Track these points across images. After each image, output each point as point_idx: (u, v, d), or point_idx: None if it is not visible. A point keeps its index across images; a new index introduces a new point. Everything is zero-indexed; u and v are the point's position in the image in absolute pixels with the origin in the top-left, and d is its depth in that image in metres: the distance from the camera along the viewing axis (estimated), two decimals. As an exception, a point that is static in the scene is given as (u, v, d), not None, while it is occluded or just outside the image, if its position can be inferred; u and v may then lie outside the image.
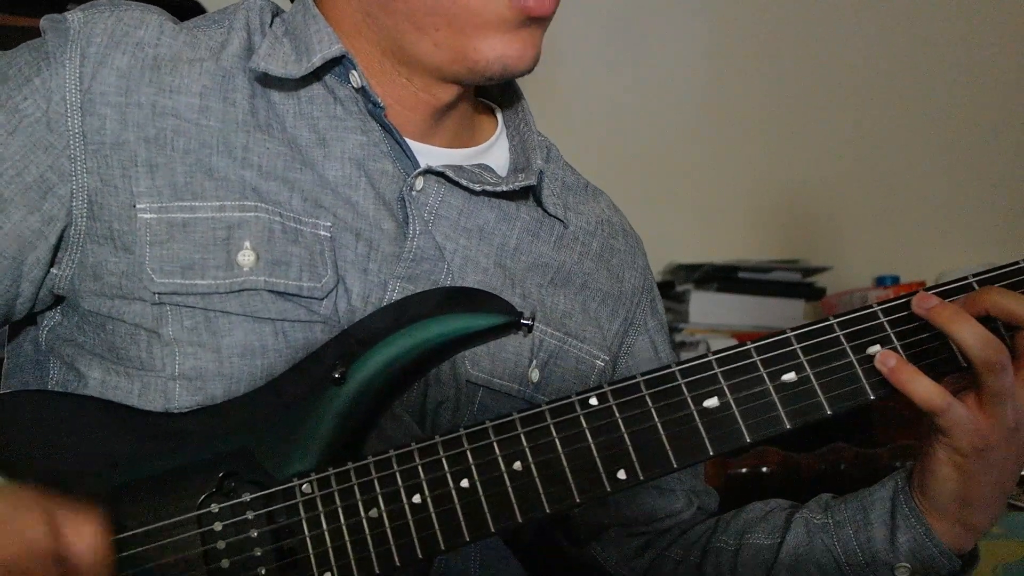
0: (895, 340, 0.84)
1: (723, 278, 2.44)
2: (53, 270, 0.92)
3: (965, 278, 0.85)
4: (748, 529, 1.05)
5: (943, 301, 0.83)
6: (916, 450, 1.35)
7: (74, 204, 0.90)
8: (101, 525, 0.72)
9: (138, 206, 0.89)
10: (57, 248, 0.91)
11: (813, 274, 2.52)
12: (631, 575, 1.12)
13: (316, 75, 0.96)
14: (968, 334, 0.81)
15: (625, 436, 0.81)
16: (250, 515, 0.81)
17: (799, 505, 1.05)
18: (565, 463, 0.81)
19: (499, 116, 1.09)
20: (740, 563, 1.03)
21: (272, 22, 0.99)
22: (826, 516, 0.99)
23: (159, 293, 0.89)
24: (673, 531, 1.11)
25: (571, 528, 1.14)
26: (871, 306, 0.84)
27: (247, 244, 0.90)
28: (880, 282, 2.59)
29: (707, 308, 2.41)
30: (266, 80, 0.94)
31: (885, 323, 0.84)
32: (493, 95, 1.10)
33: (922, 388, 0.82)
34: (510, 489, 0.81)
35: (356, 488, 0.81)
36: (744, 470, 1.48)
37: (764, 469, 1.48)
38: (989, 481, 0.87)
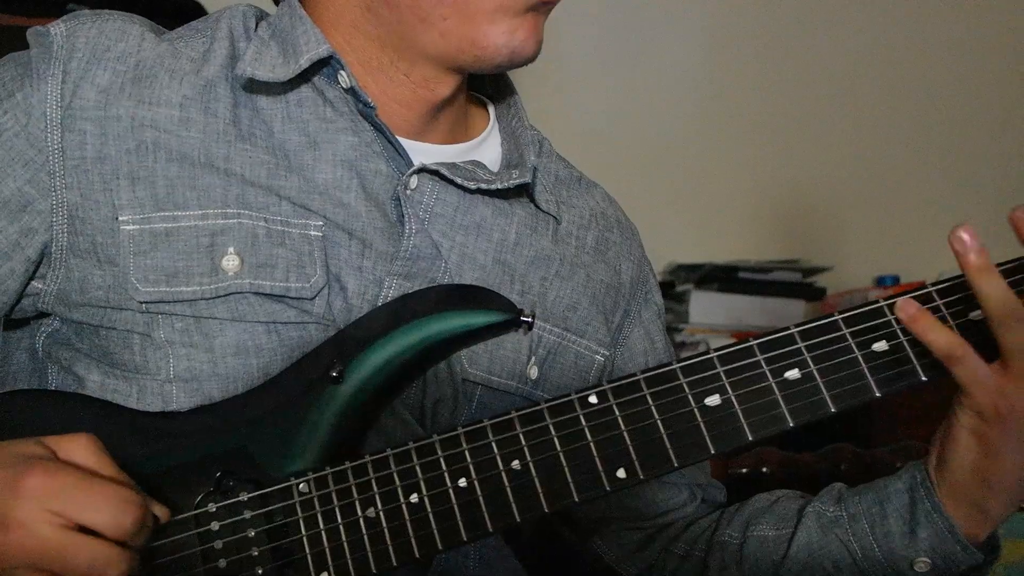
0: (901, 336, 0.83)
1: (723, 278, 2.44)
2: (38, 284, 0.92)
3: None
4: (753, 521, 1.04)
5: (981, 250, 0.83)
6: (917, 450, 1.35)
7: (54, 219, 0.90)
8: (89, 436, 0.76)
9: (120, 218, 0.89)
10: (39, 263, 0.91)
11: (813, 274, 2.52)
12: (633, 569, 1.12)
13: (304, 77, 0.95)
14: (992, 287, 0.81)
15: (625, 434, 0.81)
16: (247, 514, 0.80)
17: (808, 496, 1.04)
18: (564, 462, 0.80)
19: (491, 110, 1.08)
20: (745, 556, 1.02)
21: (257, 27, 0.98)
22: (839, 509, 0.98)
23: (145, 302, 0.88)
24: (677, 525, 1.11)
25: (573, 520, 1.13)
26: (876, 301, 0.84)
27: (231, 249, 0.90)
28: (880, 282, 2.58)
29: (707, 308, 2.41)
30: (252, 86, 0.94)
31: (892, 320, 0.83)
32: (485, 88, 1.10)
33: (941, 337, 0.81)
34: (508, 488, 0.80)
35: (353, 487, 0.81)
36: (744, 470, 1.48)
37: (764, 469, 1.47)
38: (1012, 460, 0.85)
